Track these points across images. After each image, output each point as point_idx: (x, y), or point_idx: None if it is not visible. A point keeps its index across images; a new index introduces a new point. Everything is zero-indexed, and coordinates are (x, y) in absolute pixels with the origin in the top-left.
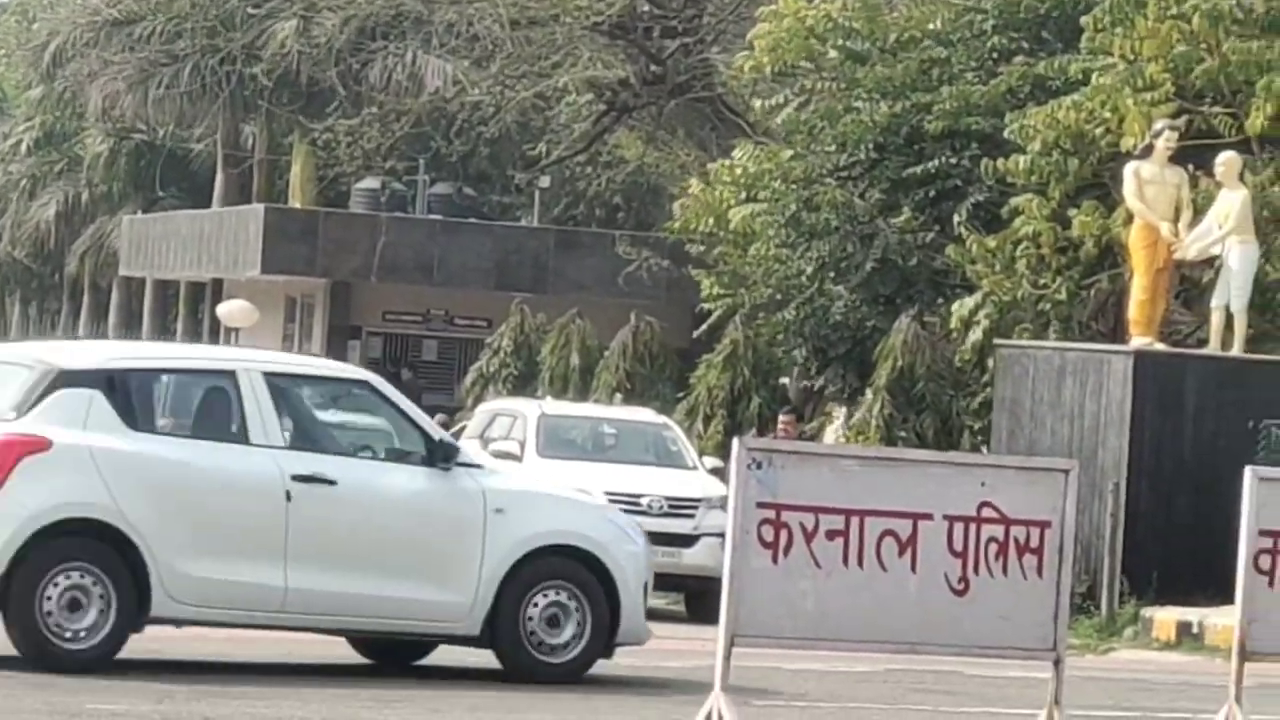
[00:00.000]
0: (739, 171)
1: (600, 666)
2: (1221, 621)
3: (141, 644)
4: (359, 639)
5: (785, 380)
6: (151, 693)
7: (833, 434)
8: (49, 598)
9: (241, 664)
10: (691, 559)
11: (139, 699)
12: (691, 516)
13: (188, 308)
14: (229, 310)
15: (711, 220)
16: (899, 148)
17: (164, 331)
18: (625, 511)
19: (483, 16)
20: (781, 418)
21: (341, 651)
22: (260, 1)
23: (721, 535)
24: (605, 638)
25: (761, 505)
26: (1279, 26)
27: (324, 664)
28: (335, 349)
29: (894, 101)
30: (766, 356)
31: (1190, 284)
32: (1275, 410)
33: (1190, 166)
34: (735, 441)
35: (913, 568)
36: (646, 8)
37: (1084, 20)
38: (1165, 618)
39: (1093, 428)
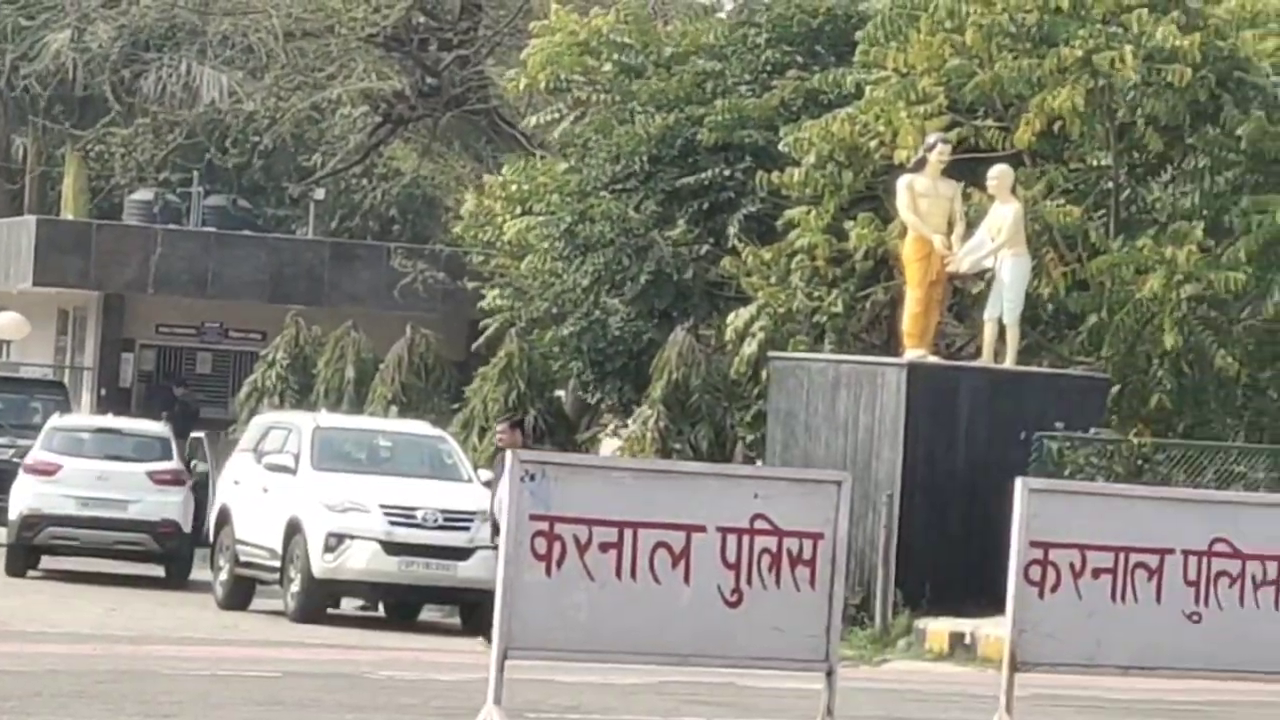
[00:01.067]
0: (513, 187)
1: (373, 678)
2: (993, 632)
3: None
4: None
5: (561, 393)
6: None
7: (608, 447)
8: None
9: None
10: (466, 572)
11: None
12: (467, 529)
13: None
14: (1, 323)
15: (487, 233)
16: (673, 160)
17: None
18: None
19: (257, 28)
20: (498, 427)
21: None
22: (33, 12)
23: (496, 548)
24: None
25: (535, 517)
26: (1051, 41)
27: None
28: (108, 362)
29: (668, 114)
30: (542, 369)
31: (963, 296)
32: (1047, 422)
33: (964, 178)
34: (508, 454)
35: (686, 579)
36: (422, 20)
37: (858, 34)
38: (938, 629)
39: (866, 439)
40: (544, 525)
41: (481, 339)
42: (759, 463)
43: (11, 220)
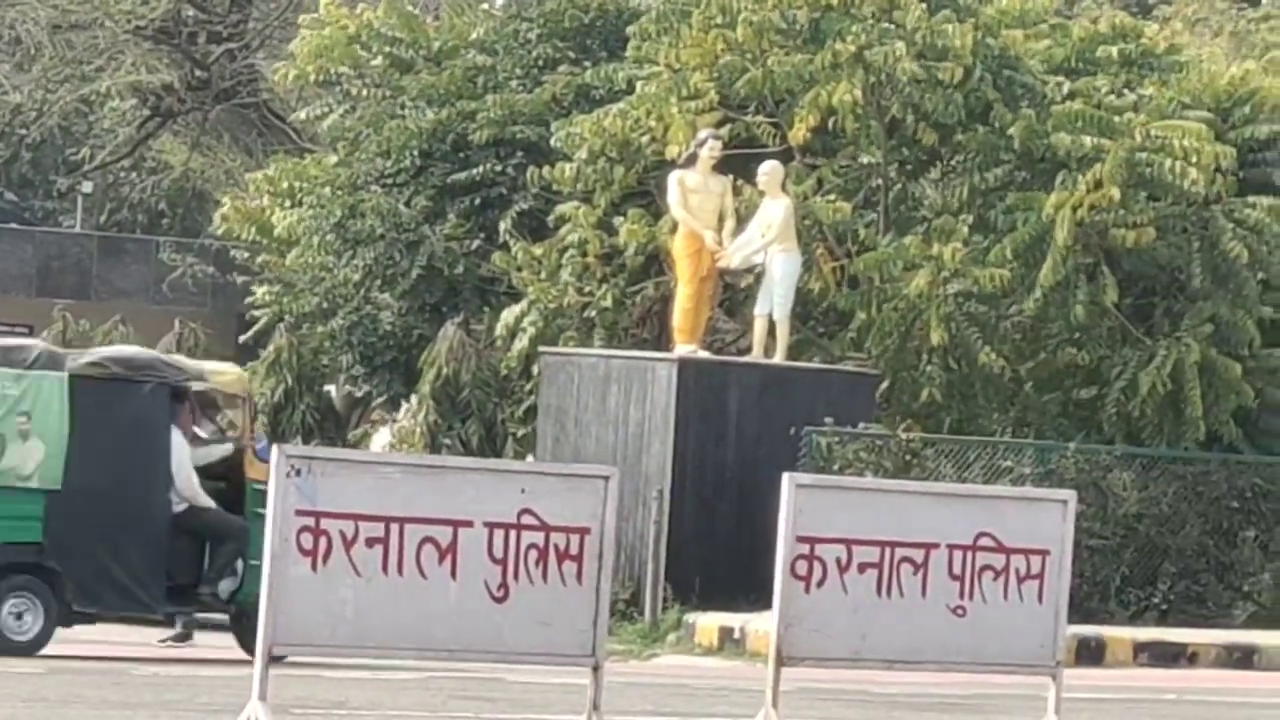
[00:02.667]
0: (284, 184)
1: (138, 674)
2: (762, 627)
3: None
4: None
5: (331, 388)
6: None
7: (378, 443)
8: None
9: None
10: None
11: None
12: None
13: None
14: None
15: (254, 229)
16: (444, 155)
17: None
18: None
19: (24, 19)
20: None
21: None
22: None
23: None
24: None
25: (301, 513)
26: (822, 39)
27: None
28: None
29: (439, 109)
30: (312, 364)
31: (734, 292)
32: (817, 417)
33: (736, 173)
34: (274, 448)
35: (453, 575)
36: (191, 13)
37: (630, 29)
38: (708, 623)
39: (637, 435)
40: (310, 520)
41: (250, 333)
42: (530, 458)
43: None
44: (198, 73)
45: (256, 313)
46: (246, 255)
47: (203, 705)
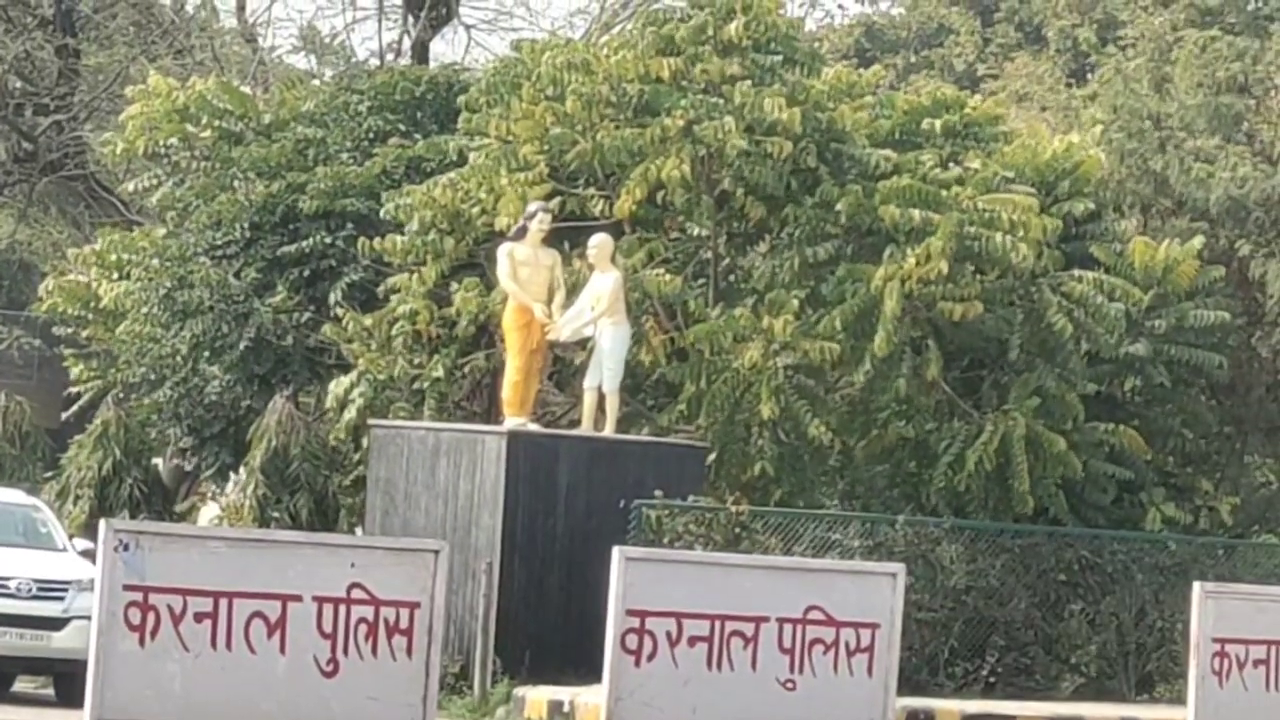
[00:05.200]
0: (111, 256)
1: None
2: (592, 700)
3: None
4: None
5: (159, 461)
6: None
7: (207, 516)
8: None
9: None
10: (61, 642)
11: None
12: (61, 599)
13: None
14: None
15: (79, 305)
16: (274, 226)
17: None
18: None
19: None
20: None
21: None
22: None
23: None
24: None
25: (129, 588)
26: (652, 111)
27: None
28: None
29: (270, 181)
30: (139, 437)
31: (564, 365)
32: (646, 490)
33: (567, 245)
34: (102, 522)
35: (281, 649)
36: (17, 84)
37: (461, 99)
38: (537, 697)
39: (466, 507)
40: (138, 596)
41: (75, 406)
42: (359, 531)
43: None
44: (24, 144)
45: (80, 387)
46: (71, 330)
47: None
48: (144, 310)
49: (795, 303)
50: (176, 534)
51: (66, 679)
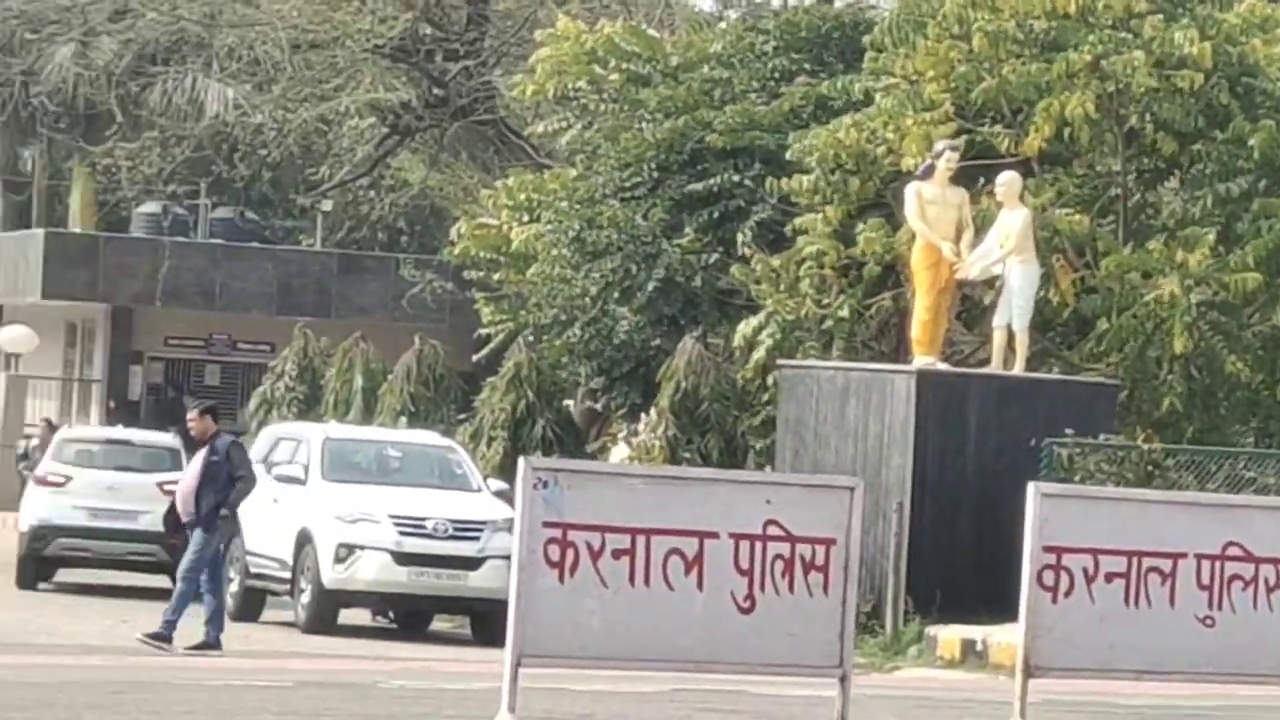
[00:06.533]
0: (521, 196)
1: (385, 687)
2: (1005, 639)
3: None
4: None
5: (569, 402)
6: None
7: (617, 456)
8: None
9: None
10: (477, 582)
11: None
12: (477, 539)
13: None
14: (9, 336)
15: (490, 249)
16: (682, 166)
17: None
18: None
19: (264, 40)
20: (189, 415)
21: None
22: (39, 26)
23: (507, 558)
24: None
25: (548, 525)
26: (1059, 47)
27: None
28: (117, 374)
29: (676, 120)
30: (551, 379)
31: (972, 304)
32: (1056, 428)
33: (976, 183)
34: (521, 460)
35: (699, 586)
36: (428, 31)
37: (865, 40)
38: (949, 635)
39: (876, 447)
40: (557, 532)
41: (487, 349)
42: (768, 470)
43: (20, 234)
44: (435, 90)
45: (491, 330)
46: (482, 273)
47: (449, 718)
48: (554, 252)
49: (1210, 238)
50: (594, 471)
51: (482, 618)
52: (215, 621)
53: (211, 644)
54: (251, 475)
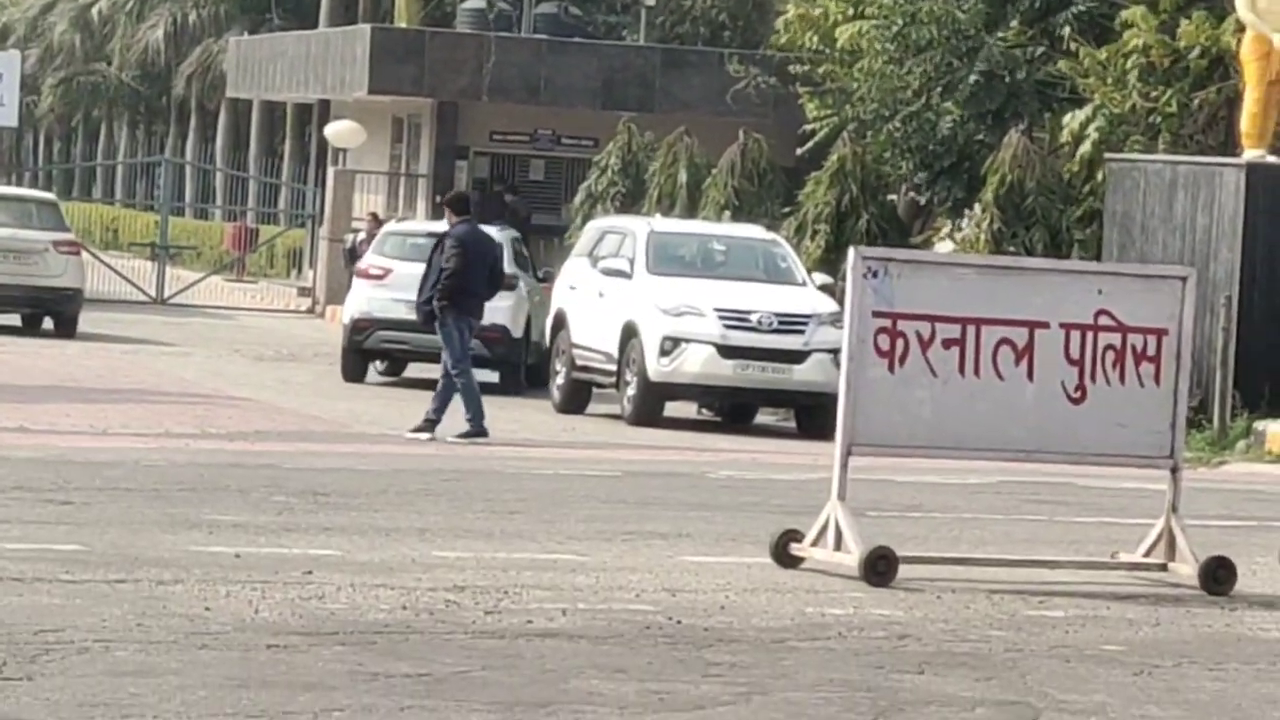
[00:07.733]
0: None
1: (713, 477)
2: None
3: (258, 457)
4: None
5: (893, 197)
6: (271, 505)
7: (941, 250)
8: None
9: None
10: (802, 375)
11: (258, 511)
12: (802, 333)
13: (294, 129)
14: (336, 131)
15: (816, 38)
16: None
17: (271, 154)
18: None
19: None
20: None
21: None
22: None
23: (831, 351)
24: None
25: (877, 314)
26: None
27: (442, 476)
28: (442, 169)
29: None
30: (875, 173)
31: None
32: None
33: None
34: (851, 250)
35: (1029, 376)
36: None
37: None
38: (1277, 431)
39: (1204, 241)
40: (886, 322)
41: (811, 143)
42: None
43: (346, 29)
44: None
45: (815, 124)
46: (806, 68)
47: (777, 507)
48: (877, 47)
49: None
50: (924, 261)
51: (807, 411)
52: (469, 409)
53: (474, 432)
54: (457, 267)
